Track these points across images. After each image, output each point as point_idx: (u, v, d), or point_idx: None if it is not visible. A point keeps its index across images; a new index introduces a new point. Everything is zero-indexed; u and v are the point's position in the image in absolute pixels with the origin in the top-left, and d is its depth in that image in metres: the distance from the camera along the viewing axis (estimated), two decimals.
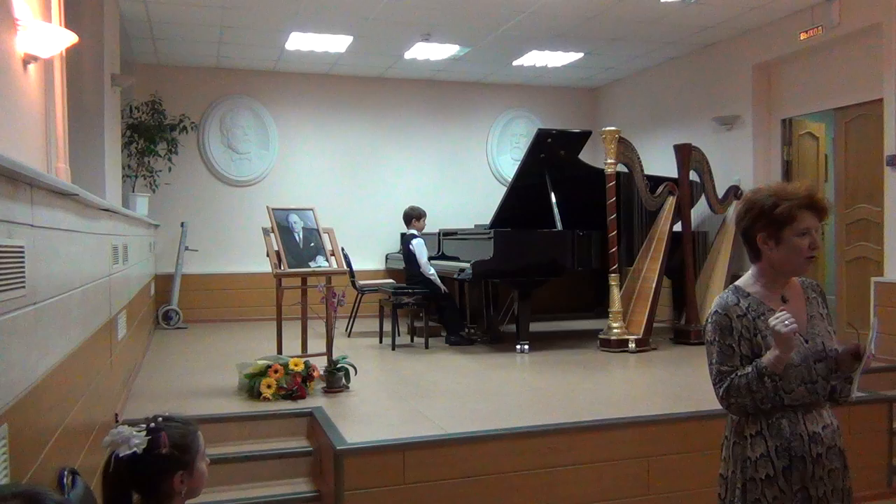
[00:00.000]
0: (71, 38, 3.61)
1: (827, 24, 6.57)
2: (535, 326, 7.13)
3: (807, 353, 2.08)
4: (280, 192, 8.98)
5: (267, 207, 5.49)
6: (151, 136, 8.27)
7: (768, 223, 2.10)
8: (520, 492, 3.77)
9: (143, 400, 4.62)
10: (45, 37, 3.41)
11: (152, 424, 1.86)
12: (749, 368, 2.06)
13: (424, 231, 7.46)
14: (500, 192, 8.07)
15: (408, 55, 8.52)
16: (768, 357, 2.03)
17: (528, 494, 3.78)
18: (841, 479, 2.11)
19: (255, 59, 8.71)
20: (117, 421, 3.93)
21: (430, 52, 8.37)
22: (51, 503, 1.24)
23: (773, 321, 1.99)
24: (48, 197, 2.36)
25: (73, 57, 4.69)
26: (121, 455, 1.79)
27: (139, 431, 1.82)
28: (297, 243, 5.41)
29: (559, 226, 6.91)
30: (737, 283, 2.22)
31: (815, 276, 2.09)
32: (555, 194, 7.09)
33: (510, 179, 8.00)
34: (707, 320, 2.20)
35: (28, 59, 3.37)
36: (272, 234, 5.34)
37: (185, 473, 1.84)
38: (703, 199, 7.60)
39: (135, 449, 1.78)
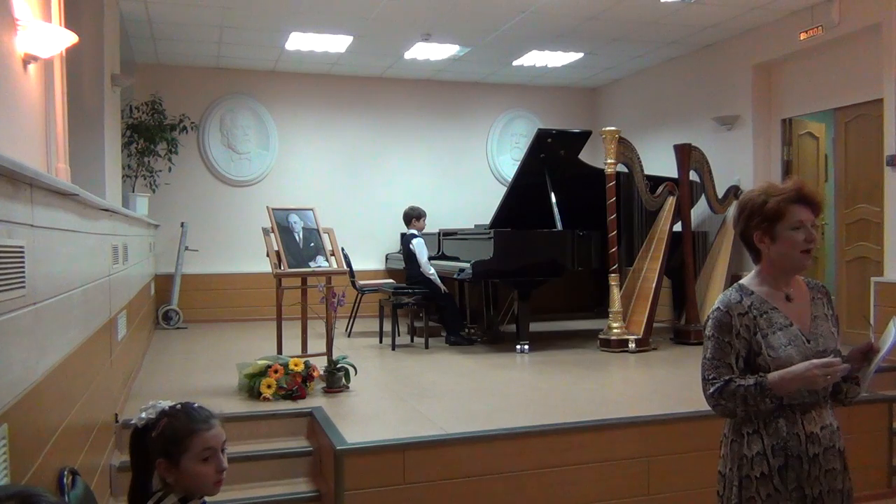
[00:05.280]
0: (71, 38, 3.61)
1: (827, 24, 6.57)
2: (535, 326, 7.13)
3: (808, 354, 2.07)
4: (280, 192, 8.98)
5: (267, 207, 5.49)
6: (151, 136, 8.28)
7: (761, 221, 2.11)
8: (519, 492, 3.76)
9: (143, 400, 4.58)
10: (45, 37, 3.41)
11: (167, 408, 1.93)
12: (751, 380, 2.04)
13: (424, 231, 7.46)
14: (500, 192, 8.07)
15: (408, 55, 8.52)
16: (777, 379, 2.01)
17: (527, 494, 3.78)
18: (840, 481, 2.11)
19: (255, 59, 8.71)
20: (117, 421, 3.94)
21: (430, 52, 8.37)
22: None
23: (818, 362, 1.98)
24: (48, 197, 2.36)
25: (73, 57, 4.69)
26: (131, 421, 2.01)
27: (158, 409, 1.94)
28: (297, 243, 5.41)
29: (559, 226, 6.90)
30: (741, 281, 2.23)
31: (814, 276, 2.09)
32: (555, 194, 7.08)
33: (510, 179, 8.00)
34: (708, 316, 2.20)
35: (28, 59, 3.37)
36: (272, 234, 5.34)
37: (168, 463, 1.86)
38: (703, 199, 7.60)
39: (136, 423, 1.94)
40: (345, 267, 5.94)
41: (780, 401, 2.05)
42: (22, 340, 1.98)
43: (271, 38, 7.87)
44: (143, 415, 1.93)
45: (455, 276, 6.96)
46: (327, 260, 5.46)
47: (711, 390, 2.11)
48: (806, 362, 2.01)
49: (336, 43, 8.00)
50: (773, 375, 2.03)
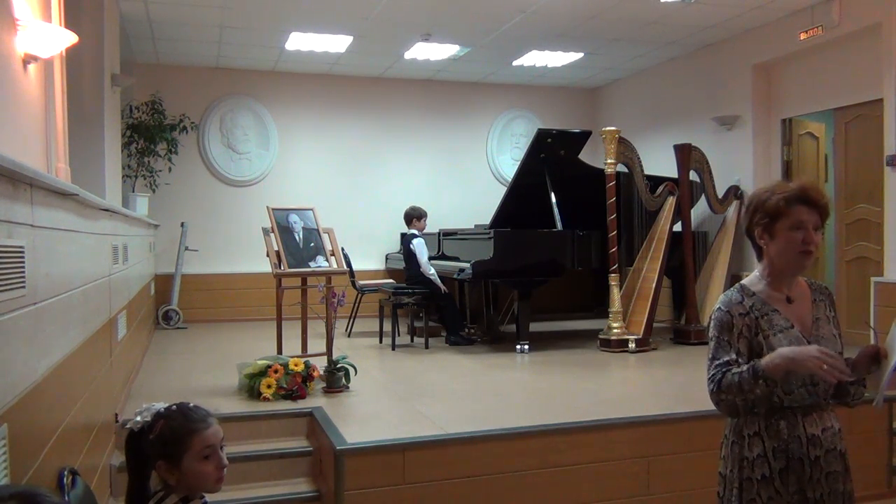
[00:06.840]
0: (71, 38, 3.62)
1: (827, 24, 6.57)
2: (535, 326, 7.13)
3: None
4: (280, 192, 8.98)
5: (267, 207, 5.49)
6: (151, 136, 8.28)
7: (762, 217, 2.11)
8: (520, 492, 3.76)
9: (143, 400, 4.58)
10: (45, 37, 3.41)
11: (163, 409, 1.93)
12: (745, 367, 2.03)
13: (425, 231, 7.47)
14: (500, 192, 8.07)
15: (408, 55, 8.52)
16: (768, 359, 2.00)
17: (528, 494, 3.78)
18: (840, 483, 2.10)
19: (255, 59, 8.71)
20: (117, 421, 3.94)
21: (430, 52, 8.37)
22: None
23: (814, 348, 1.96)
24: (48, 197, 2.36)
25: (73, 57, 4.69)
26: (126, 426, 1.96)
27: (153, 412, 1.93)
28: (297, 243, 5.41)
29: (559, 226, 6.90)
30: (742, 281, 2.22)
31: (813, 276, 2.09)
32: (555, 194, 7.08)
33: (510, 179, 8.00)
34: (710, 316, 2.20)
35: (28, 59, 3.37)
36: (272, 234, 5.34)
37: (169, 465, 1.86)
38: (703, 199, 7.60)
39: (131, 426, 1.94)
40: (345, 267, 5.94)
41: (774, 384, 2.01)
42: (22, 340, 1.98)
43: (271, 38, 7.87)
44: (138, 418, 1.92)
45: (455, 276, 6.96)
46: (327, 260, 5.46)
47: (714, 387, 2.09)
48: (809, 346, 1.99)
49: (336, 43, 7.99)
50: (765, 357, 2.01)
